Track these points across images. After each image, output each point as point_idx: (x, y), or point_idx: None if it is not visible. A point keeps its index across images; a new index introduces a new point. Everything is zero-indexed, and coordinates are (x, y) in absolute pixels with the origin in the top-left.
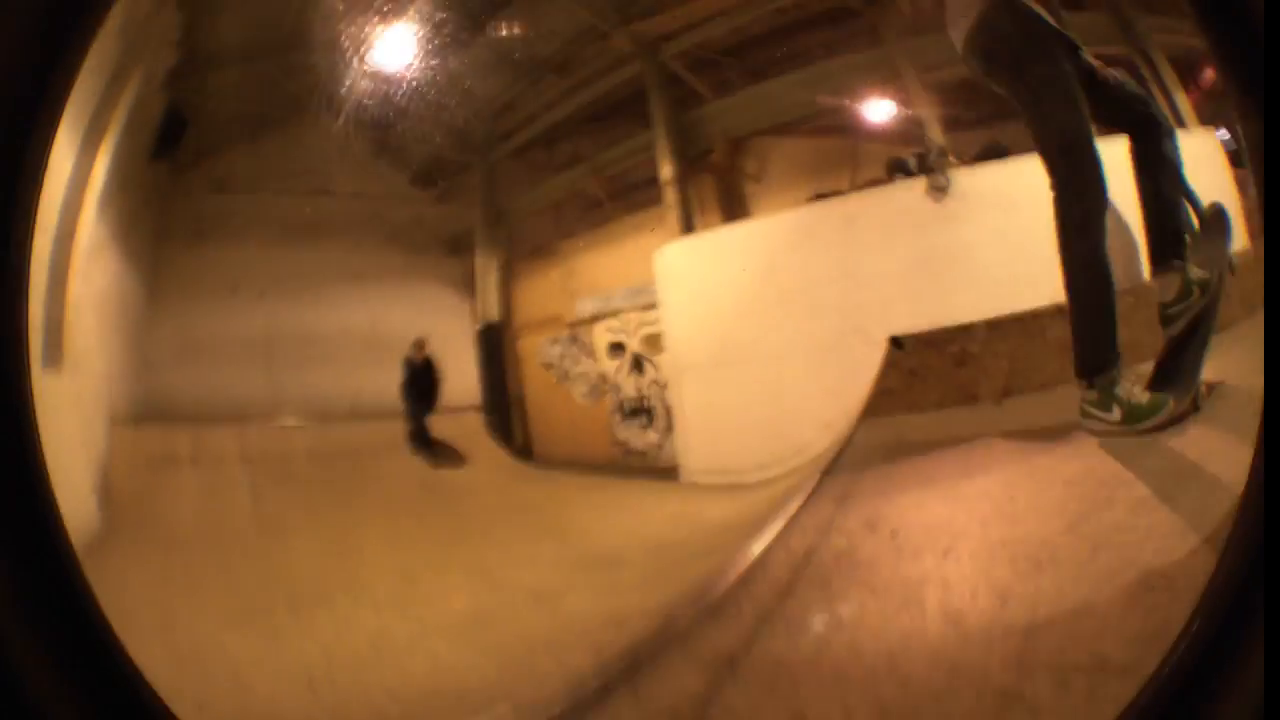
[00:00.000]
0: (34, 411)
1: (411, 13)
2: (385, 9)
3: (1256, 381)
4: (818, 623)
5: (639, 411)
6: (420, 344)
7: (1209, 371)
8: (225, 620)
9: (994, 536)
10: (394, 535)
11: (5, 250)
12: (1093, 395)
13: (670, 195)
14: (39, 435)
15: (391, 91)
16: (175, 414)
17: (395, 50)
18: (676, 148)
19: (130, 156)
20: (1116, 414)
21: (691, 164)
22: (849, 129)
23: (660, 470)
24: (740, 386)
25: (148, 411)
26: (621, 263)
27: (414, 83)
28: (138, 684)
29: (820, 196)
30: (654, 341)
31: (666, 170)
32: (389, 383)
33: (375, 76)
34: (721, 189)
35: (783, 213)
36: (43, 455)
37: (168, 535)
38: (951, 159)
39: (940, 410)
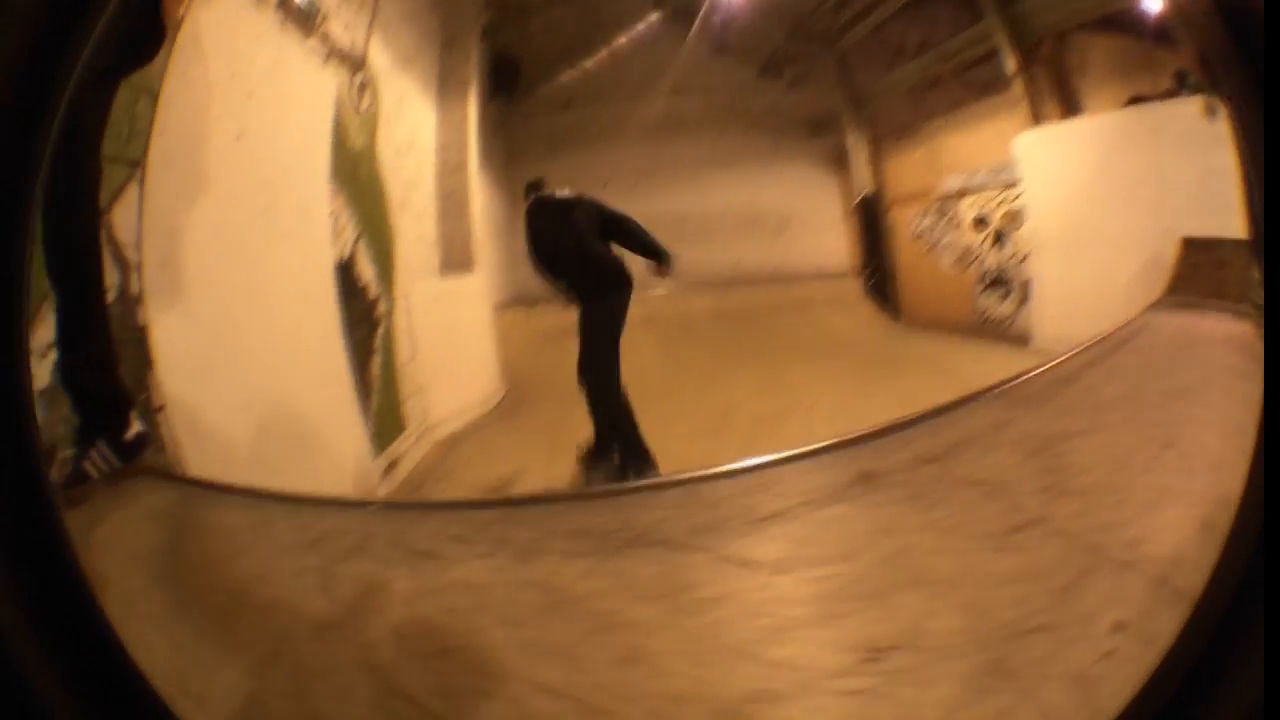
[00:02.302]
0: (35, 417)
1: None
2: None
3: None
4: None
5: (999, 282)
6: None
7: None
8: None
9: None
10: (812, 375)
11: (7, 250)
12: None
13: (1018, 86)
14: (38, 438)
15: None
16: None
17: None
18: (1015, 39)
19: (477, 100)
20: None
21: (1027, 55)
22: (1141, 32)
23: (1014, 337)
24: (1086, 267)
25: (524, 298)
26: (981, 144)
27: None
28: (138, 684)
29: (1135, 100)
30: (1013, 217)
31: (1010, 63)
32: (767, 253)
33: None
34: (1055, 80)
35: (1107, 113)
36: (41, 455)
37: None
38: None
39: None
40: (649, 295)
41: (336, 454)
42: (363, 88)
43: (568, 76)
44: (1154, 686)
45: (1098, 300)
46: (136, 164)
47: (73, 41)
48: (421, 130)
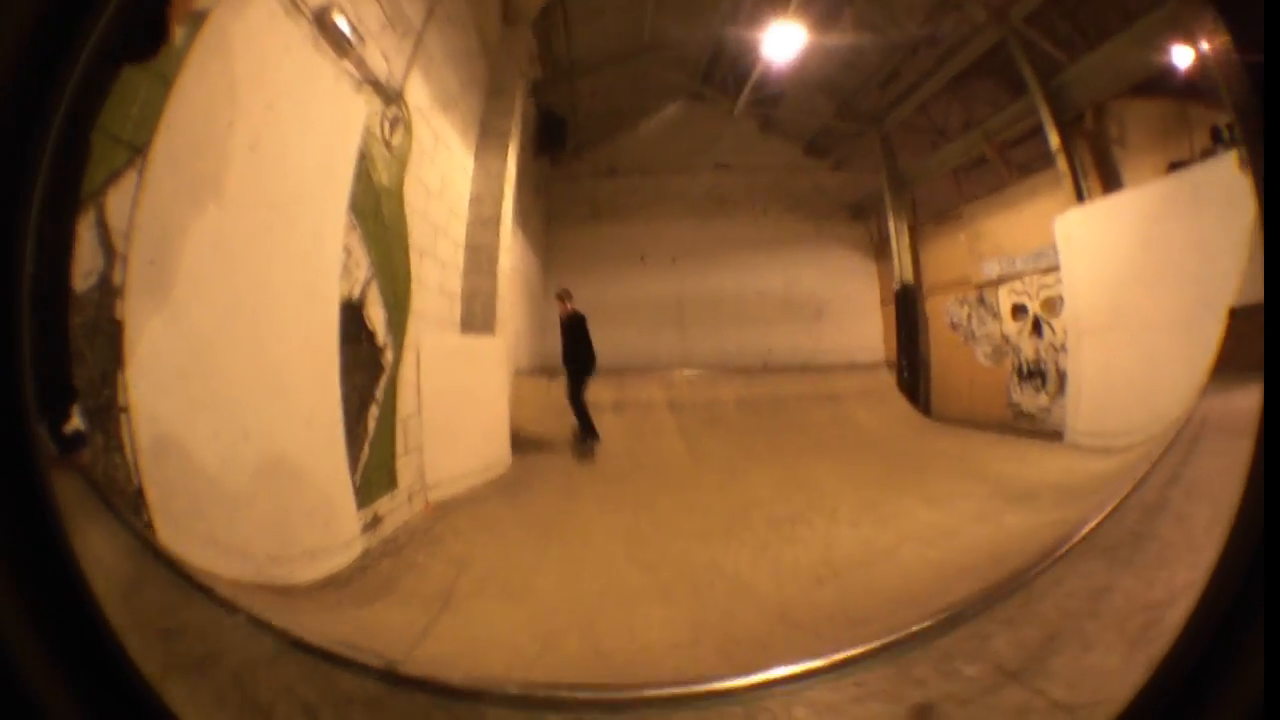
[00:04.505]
0: (35, 428)
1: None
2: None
3: None
4: None
5: (1035, 374)
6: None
7: None
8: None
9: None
10: (837, 475)
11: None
12: None
13: (1061, 163)
14: (40, 449)
15: (776, 71)
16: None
17: (777, 35)
18: (1056, 115)
19: (520, 156)
20: None
21: (1068, 130)
22: (1177, 90)
23: (1046, 433)
24: (1123, 353)
25: (546, 369)
26: (1021, 227)
27: (797, 62)
28: (138, 684)
29: (1174, 165)
30: (1052, 305)
31: (1054, 139)
32: (803, 340)
33: (758, 59)
34: (1096, 154)
35: (1149, 184)
36: (45, 465)
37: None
38: None
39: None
40: (675, 377)
41: (312, 498)
42: (395, 122)
43: (614, 143)
44: (1154, 686)
45: (1136, 390)
46: (139, 151)
47: (79, 24)
48: (456, 177)
